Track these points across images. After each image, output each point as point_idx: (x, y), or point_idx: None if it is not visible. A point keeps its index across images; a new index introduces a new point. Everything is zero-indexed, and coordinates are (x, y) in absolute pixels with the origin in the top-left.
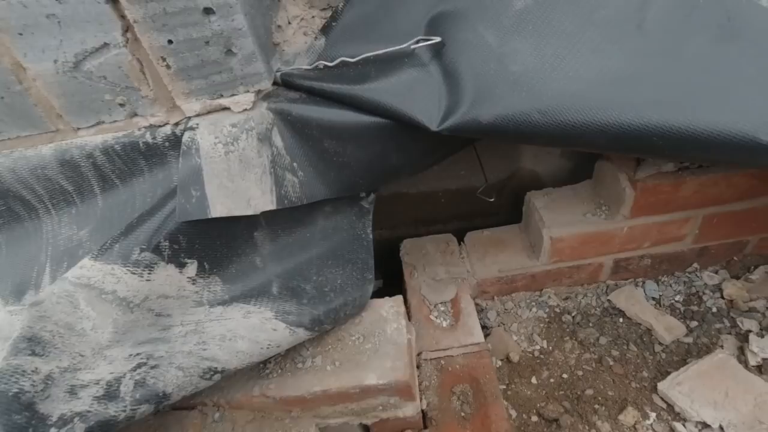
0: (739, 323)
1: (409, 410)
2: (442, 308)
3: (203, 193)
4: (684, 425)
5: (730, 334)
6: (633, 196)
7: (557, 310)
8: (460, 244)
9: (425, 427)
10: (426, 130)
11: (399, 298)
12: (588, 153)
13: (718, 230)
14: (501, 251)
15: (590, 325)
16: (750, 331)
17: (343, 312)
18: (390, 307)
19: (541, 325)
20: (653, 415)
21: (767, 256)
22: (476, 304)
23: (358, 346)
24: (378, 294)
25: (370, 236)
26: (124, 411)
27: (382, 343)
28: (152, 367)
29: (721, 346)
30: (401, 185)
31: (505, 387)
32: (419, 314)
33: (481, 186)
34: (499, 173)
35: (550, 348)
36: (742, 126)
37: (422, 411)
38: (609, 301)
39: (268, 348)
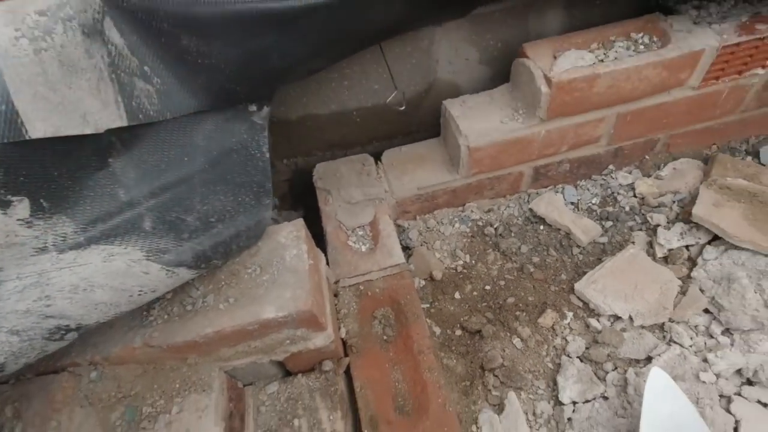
0: (649, 219)
1: (320, 340)
2: (361, 233)
3: (11, 107)
4: (598, 320)
5: (641, 230)
6: (549, 94)
7: (480, 223)
8: (377, 163)
9: (346, 355)
10: None
11: (299, 221)
12: (508, 58)
13: (632, 129)
14: (420, 167)
15: (512, 235)
16: (658, 225)
17: (235, 244)
18: (289, 232)
19: (464, 240)
20: (570, 314)
21: (675, 153)
22: (398, 225)
23: (254, 278)
24: None
25: (267, 156)
26: None
27: (281, 272)
28: None
29: (633, 242)
30: (310, 106)
31: (428, 306)
32: (336, 241)
33: (392, 95)
34: (415, 86)
35: (473, 262)
36: None
37: (342, 339)
38: (530, 209)
39: (140, 295)
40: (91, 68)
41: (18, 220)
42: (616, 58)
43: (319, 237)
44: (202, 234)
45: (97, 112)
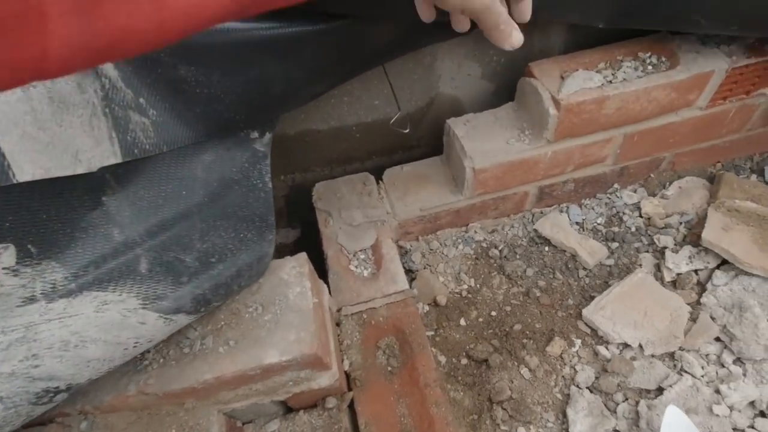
0: (656, 240)
1: (325, 380)
2: (363, 256)
3: None
4: (607, 348)
5: (648, 251)
6: (557, 116)
7: (484, 245)
8: (378, 183)
9: (350, 389)
10: None
11: (302, 255)
12: (510, 73)
13: (638, 149)
14: (422, 187)
15: (517, 257)
16: (666, 247)
17: (236, 284)
18: (292, 267)
19: (468, 262)
20: (578, 342)
21: (680, 171)
22: (400, 247)
23: (256, 318)
24: (297, 246)
25: (269, 186)
26: None
27: (284, 311)
28: None
29: (640, 265)
30: (309, 121)
31: (433, 333)
32: (337, 266)
33: (395, 116)
34: (417, 101)
35: (478, 286)
36: None
37: (345, 372)
38: (535, 230)
39: (135, 347)
40: (84, 104)
41: (3, 269)
42: (624, 79)
43: (319, 259)
44: (202, 275)
45: (90, 149)
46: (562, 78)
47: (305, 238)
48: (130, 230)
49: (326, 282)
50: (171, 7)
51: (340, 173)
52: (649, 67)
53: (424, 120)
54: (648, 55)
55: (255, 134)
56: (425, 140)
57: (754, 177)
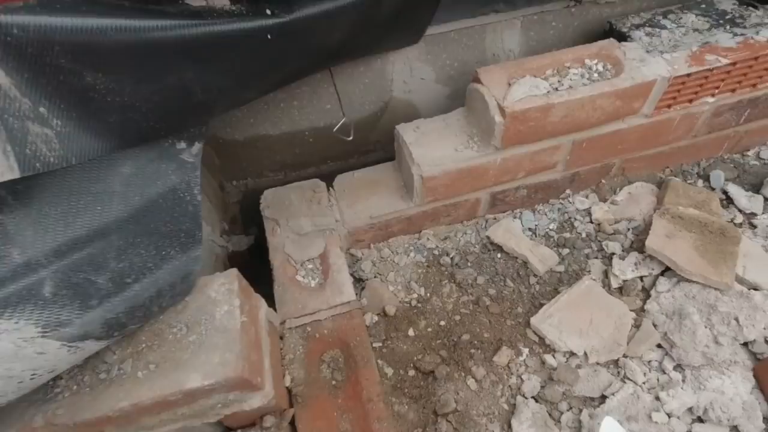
0: (605, 247)
1: (257, 401)
2: (310, 266)
3: None
4: (554, 356)
5: (597, 258)
6: (503, 124)
7: (436, 252)
8: (329, 189)
9: (291, 405)
10: None
11: (232, 271)
12: (464, 77)
13: (588, 155)
14: (373, 194)
15: (469, 264)
16: (614, 253)
17: (156, 305)
18: (221, 284)
19: (420, 270)
20: (526, 350)
21: (630, 177)
22: (350, 255)
23: (180, 339)
24: (251, 253)
25: (198, 198)
26: None
27: (210, 332)
28: None
29: (589, 271)
30: (259, 126)
31: (381, 344)
32: (283, 277)
33: (340, 122)
34: (370, 105)
35: (428, 295)
36: None
37: (287, 388)
38: (488, 237)
39: (33, 379)
40: None
41: None
42: (570, 87)
43: (266, 268)
44: (115, 298)
45: None
46: (509, 84)
47: (259, 245)
48: (33, 250)
49: (273, 292)
50: None
51: (294, 178)
52: (595, 75)
53: (378, 124)
54: (595, 62)
55: (182, 144)
56: (381, 144)
57: (700, 182)
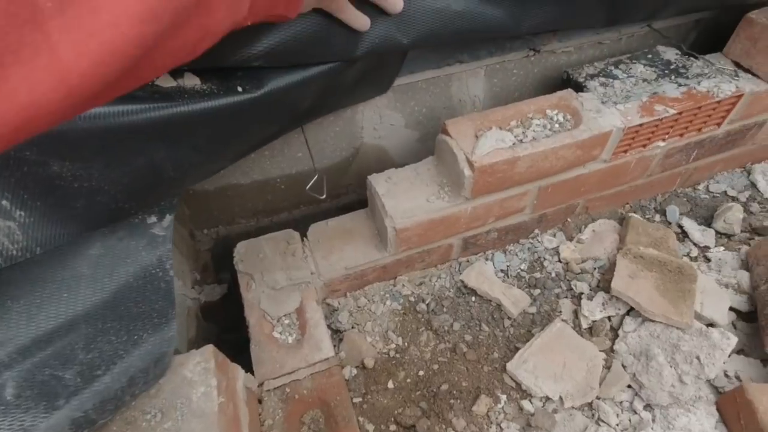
0: (573, 286)
1: None
2: (287, 321)
3: None
4: (531, 401)
5: (567, 297)
6: (472, 177)
7: (412, 299)
8: (303, 239)
9: None
10: None
11: (208, 348)
12: (433, 121)
13: (553, 198)
14: (348, 244)
15: (444, 310)
16: (582, 293)
17: (129, 394)
18: (196, 363)
19: (397, 318)
20: (504, 397)
21: (593, 214)
22: (327, 305)
23: (154, 427)
24: (224, 303)
25: (170, 274)
26: None
27: (186, 417)
28: None
29: (560, 312)
30: (230, 176)
31: (361, 399)
32: (260, 334)
33: (314, 177)
34: (341, 152)
35: (406, 344)
36: None
37: None
38: (462, 281)
39: None
40: None
41: None
42: (534, 138)
43: (239, 311)
44: (84, 393)
45: None
46: (477, 137)
47: (231, 294)
48: None
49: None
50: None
51: (267, 224)
52: (556, 125)
53: (349, 169)
54: (555, 112)
55: (153, 218)
56: (353, 187)
57: (658, 216)
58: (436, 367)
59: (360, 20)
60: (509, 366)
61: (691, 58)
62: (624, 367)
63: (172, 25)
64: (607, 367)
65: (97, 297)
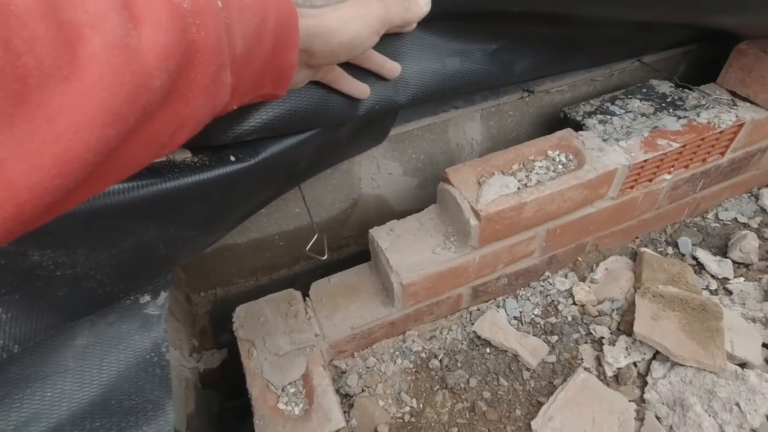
0: (592, 331)
1: None
2: (292, 390)
3: None
4: None
5: (587, 343)
6: (479, 226)
7: (423, 355)
8: (305, 299)
9: None
10: None
11: None
12: (432, 167)
13: (562, 239)
14: (352, 301)
15: (458, 365)
16: (603, 338)
17: None
18: None
19: (409, 378)
20: None
21: (604, 251)
22: (334, 366)
23: None
24: (224, 369)
25: (166, 358)
26: None
27: None
28: None
29: (581, 360)
30: (227, 236)
31: None
32: (264, 407)
33: (313, 237)
34: (340, 204)
35: (421, 406)
36: None
37: None
38: (474, 332)
39: None
40: None
41: None
42: (538, 181)
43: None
44: None
45: None
46: (479, 184)
47: (233, 356)
48: None
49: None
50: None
51: (266, 282)
52: (560, 166)
53: (349, 221)
54: (557, 153)
55: (146, 298)
56: (353, 239)
57: (670, 249)
58: (455, 430)
59: (359, 88)
60: (534, 425)
61: (686, 90)
62: (658, 418)
63: (142, 120)
64: (640, 419)
65: (84, 393)
